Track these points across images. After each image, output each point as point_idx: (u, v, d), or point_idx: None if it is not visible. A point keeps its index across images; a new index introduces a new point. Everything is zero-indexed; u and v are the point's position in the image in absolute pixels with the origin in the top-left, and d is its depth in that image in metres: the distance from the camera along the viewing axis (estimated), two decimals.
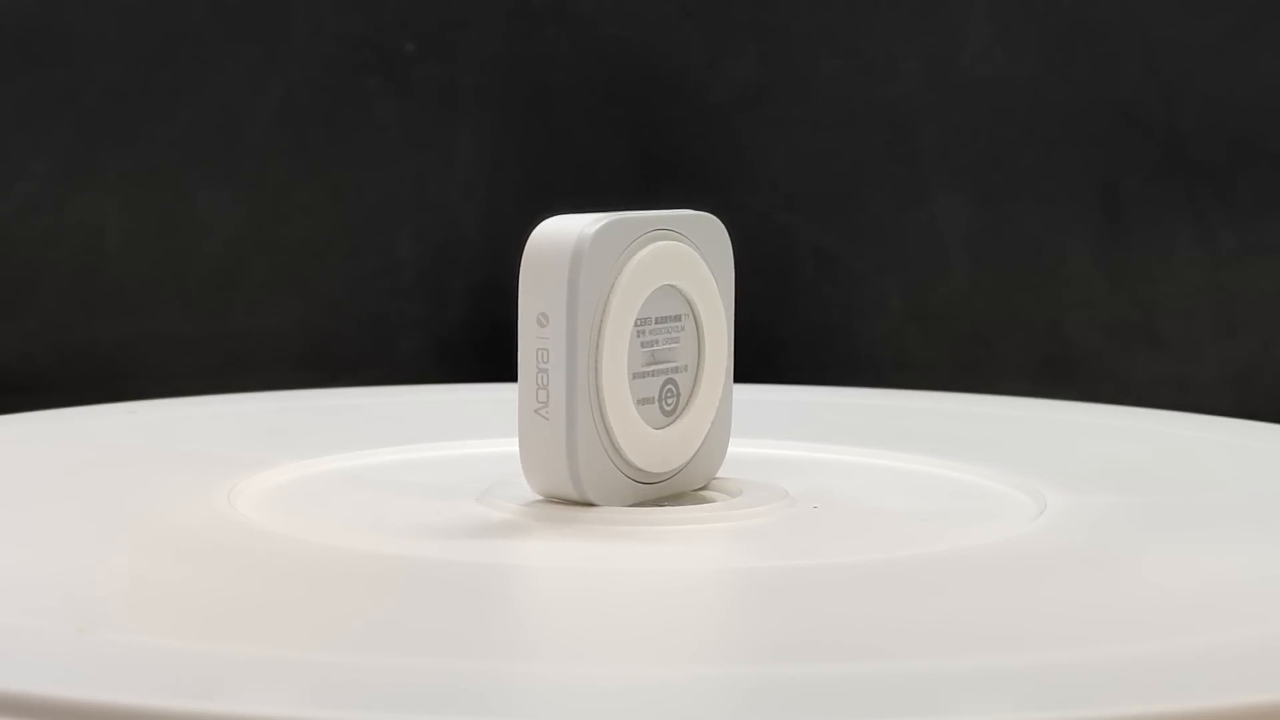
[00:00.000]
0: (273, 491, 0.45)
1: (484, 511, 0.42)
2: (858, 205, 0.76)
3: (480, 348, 0.75)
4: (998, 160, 0.75)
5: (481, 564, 0.38)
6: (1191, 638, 0.33)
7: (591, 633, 0.33)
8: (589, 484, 0.41)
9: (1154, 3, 0.73)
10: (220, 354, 0.74)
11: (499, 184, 0.76)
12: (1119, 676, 0.30)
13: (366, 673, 0.29)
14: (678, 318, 0.43)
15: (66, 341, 0.74)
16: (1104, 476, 0.48)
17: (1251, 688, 0.29)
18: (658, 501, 0.43)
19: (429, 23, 0.75)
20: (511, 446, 0.42)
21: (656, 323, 0.43)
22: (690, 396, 0.44)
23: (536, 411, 0.41)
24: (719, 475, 0.45)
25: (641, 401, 0.42)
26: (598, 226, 0.41)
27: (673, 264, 0.43)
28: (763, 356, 0.75)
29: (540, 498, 0.42)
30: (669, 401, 0.43)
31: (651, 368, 0.43)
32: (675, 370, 0.43)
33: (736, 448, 0.46)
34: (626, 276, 0.41)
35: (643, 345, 0.42)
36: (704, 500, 0.44)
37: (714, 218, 0.44)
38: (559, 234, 0.41)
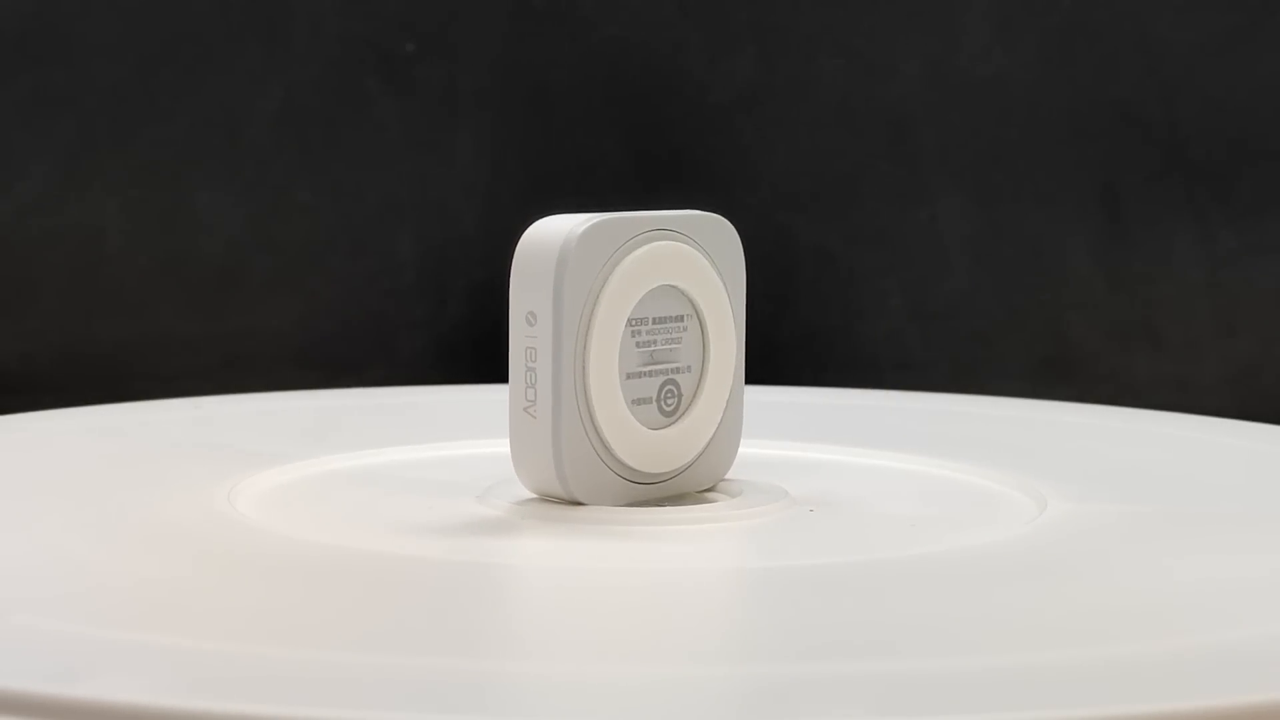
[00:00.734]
0: (273, 491, 0.45)
1: (484, 511, 0.42)
2: (858, 205, 0.76)
3: (480, 347, 0.75)
4: (998, 160, 0.75)
5: (482, 564, 0.38)
6: (1191, 638, 0.33)
7: (585, 632, 0.33)
8: (576, 483, 0.41)
9: (1154, 3, 0.73)
10: (220, 354, 0.74)
11: (499, 184, 0.76)
12: (1118, 676, 0.30)
13: (365, 672, 0.29)
14: (679, 318, 0.43)
15: (66, 341, 0.74)
16: (1104, 477, 0.48)
17: (1251, 688, 0.29)
18: (658, 502, 0.43)
19: (429, 23, 0.75)
20: None
21: (654, 323, 0.43)
22: (694, 397, 0.44)
23: (525, 410, 0.41)
24: None
25: (636, 401, 0.42)
26: (585, 226, 0.41)
27: (673, 264, 0.43)
28: (763, 356, 0.75)
29: (536, 496, 0.42)
30: (669, 402, 0.43)
31: (649, 368, 0.43)
32: (676, 371, 0.43)
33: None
34: (618, 276, 0.41)
35: (639, 345, 0.42)
36: (704, 501, 0.44)
37: (723, 219, 0.44)
38: (548, 233, 0.41)
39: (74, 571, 0.37)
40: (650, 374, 0.43)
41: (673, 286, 0.43)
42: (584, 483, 0.42)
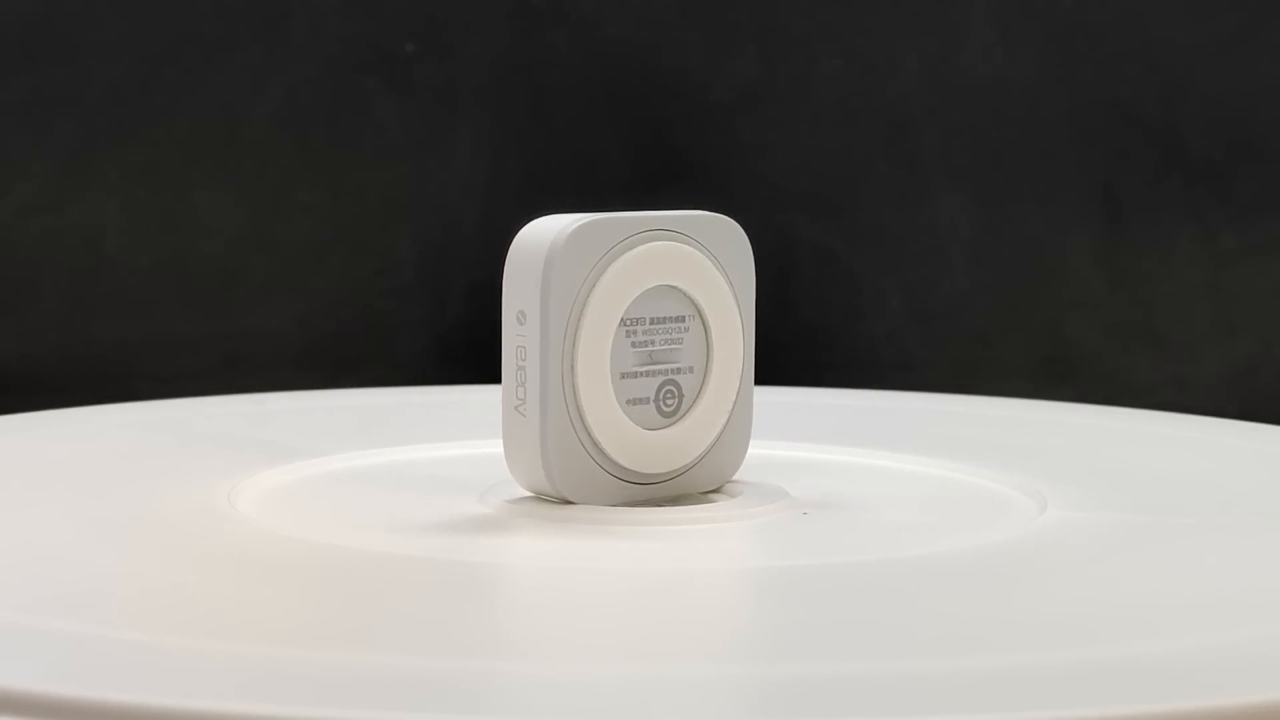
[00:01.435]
0: (273, 491, 0.45)
1: (483, 511, 0.42)
2: (858, 205, 0.76)
3: (480, 347, 0.75)
4: (998, 160, 0.75)
5: (481, 564, 0.38)
6: (1191, 638, 0.33)
7: (583, 632, 0.33)
8: (564, 481, 0.41)
9: (1154, 3, 0.73)
10: (220, 354, 0.74)
11: (499, 184, 0.76)
12: (1118, 676, 0.30)
13: (363, 671, 0.29)
14: (680, 319, 0.43)
15: (66, 341, 0.74)
16: (1104, 477, 0.48)
17: (1251, 688, 0.29)
18: (658, 503, 0.43)
19: (429, 23, 0.75)
20: None
21: (651, 323, 0.43)
22: (696, 398, 0.44)
23: (516, 409, 0.41)
24: None
25: (631, 402, 0.42)
26: (575, 226, 0.41)
27: (672, 265, 0.43)
28: (763, 356, 0.75)
29: (532, 495, 0.42)
30: (668, 402, 0.43)
31: (646, 368, 0.43)
32: (677, 371, 0.43)
33: None
34: (610, 276, 0.41)
35: (634, 345, 0.42)
36: (703, 501, 0.44)
37: (730, 220, 0.44)
38: (539, 233, 0.41)
39: (74, 571, 0.37)
40: (648, 374, 0.43)
41: (673, 287, 0.43)
42: (573, 481, 0.41)
